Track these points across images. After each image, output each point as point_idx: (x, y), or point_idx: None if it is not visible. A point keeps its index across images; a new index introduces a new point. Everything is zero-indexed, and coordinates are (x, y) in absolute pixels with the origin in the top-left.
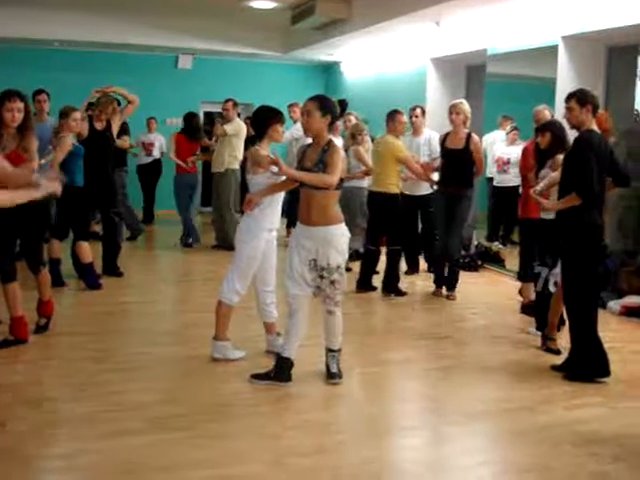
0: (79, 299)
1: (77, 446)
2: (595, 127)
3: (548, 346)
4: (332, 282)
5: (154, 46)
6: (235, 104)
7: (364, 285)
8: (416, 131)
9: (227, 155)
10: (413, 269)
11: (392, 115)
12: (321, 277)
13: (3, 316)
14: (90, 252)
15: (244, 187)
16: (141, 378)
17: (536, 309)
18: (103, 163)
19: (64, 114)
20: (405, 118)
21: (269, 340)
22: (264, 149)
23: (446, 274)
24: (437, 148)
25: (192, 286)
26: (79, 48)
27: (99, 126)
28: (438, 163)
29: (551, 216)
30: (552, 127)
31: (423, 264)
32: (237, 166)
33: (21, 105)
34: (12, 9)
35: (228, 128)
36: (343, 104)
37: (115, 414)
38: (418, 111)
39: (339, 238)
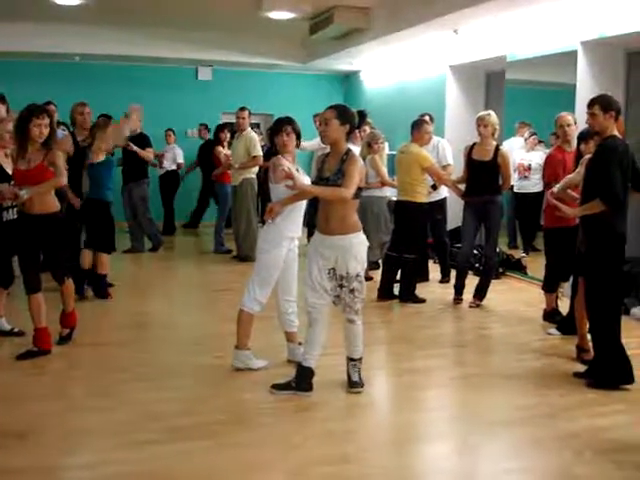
0: (101, 309)
1: (100, 456)
2: (617, 133)
3: (582, 358)
4: (351, 291)
5: (174, 58)
6: (250, 113)
7: (385, 293)
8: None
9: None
10: (423, 277)
11: (418, 124)
12: (340, 286)
13: (27, 327)
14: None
15: (264, 197)
16: (163, 388)
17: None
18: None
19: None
20: (431, 127)
21: (290, 349)
22: (286, 159)
23: (477, 282)
24: (446, 156)
25: (214, 296)
26: (100, 62)
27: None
28: (451, 172)
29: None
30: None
31: (434, 272)
32: (253, 175)
33: (47, 121)
34: (33, 24)
35: (233, 162)
36: (362, 114)
37: (138, 424)
38: (427, 119)
39: (358, 246)
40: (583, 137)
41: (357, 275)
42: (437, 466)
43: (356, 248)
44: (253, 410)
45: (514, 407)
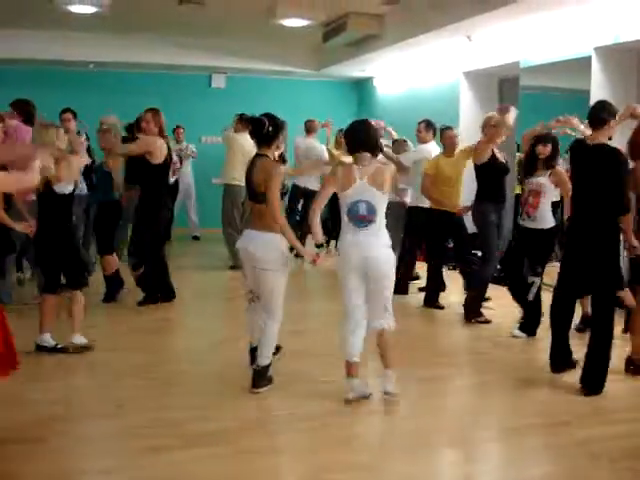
0: (119, 316)
1: (117, 462)
2: None
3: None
4: None
5: (188, 66)
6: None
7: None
8: (454, 150)
9: (227, 171)
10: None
11: (442, 132)
12: None
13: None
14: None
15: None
16: (180, 394)
17: (528, 316)
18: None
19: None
20: (456, 132)
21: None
22: None
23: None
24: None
25: (228, 303)
26: (114, 69)
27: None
28: None
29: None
30: (555, 140)
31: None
32: (238, 182)
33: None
34: (47, 32)
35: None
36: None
37: (154, 430)
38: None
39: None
40: (541, 140)
41: None
42: (451, 474)
43: None
44: (268, 417)
45: (529, 414)
